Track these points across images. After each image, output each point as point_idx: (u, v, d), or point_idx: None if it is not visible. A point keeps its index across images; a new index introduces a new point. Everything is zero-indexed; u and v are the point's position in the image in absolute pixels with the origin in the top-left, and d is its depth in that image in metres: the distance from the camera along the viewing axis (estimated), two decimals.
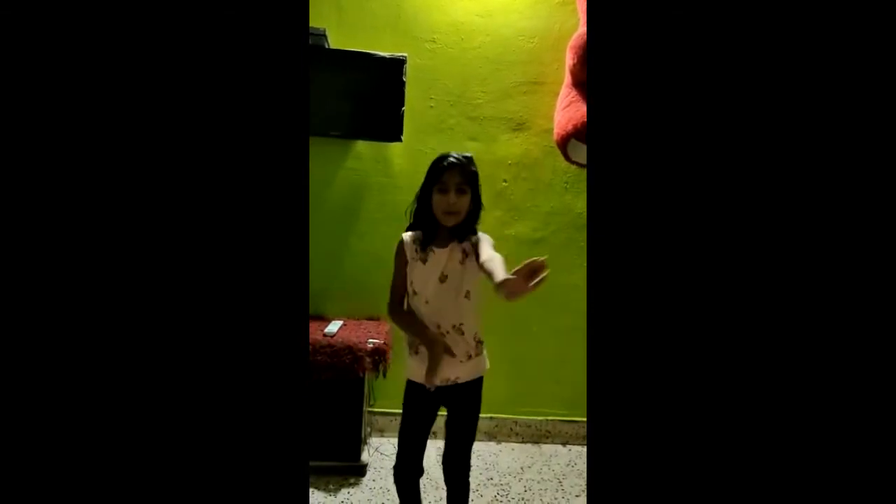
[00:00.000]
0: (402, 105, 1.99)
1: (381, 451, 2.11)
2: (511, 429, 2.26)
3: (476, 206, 1.32)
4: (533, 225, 2.22)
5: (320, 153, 2.10)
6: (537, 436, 2.28)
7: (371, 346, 1.87)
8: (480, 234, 1.33)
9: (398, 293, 1.37)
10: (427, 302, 1.30)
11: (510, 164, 2.21)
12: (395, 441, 2.18)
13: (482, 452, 2.15)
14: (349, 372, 1.84)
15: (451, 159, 1.27)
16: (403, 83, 1.98)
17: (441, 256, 1.31)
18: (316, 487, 1.81)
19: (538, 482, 1.97)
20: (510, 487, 1.92)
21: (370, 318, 2.18)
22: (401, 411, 1.38)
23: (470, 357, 1.33)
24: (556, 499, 1.87)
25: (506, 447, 2.21)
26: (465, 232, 1.31)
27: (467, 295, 1.31)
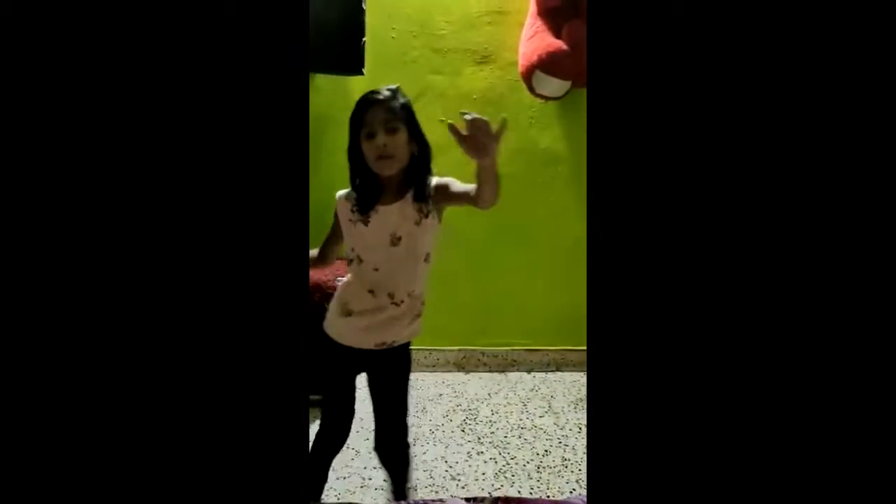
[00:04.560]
0: (363, 35, 1.90)
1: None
2: (479, 359, 2.37)
3: (421, 146, 1.10)
4: (498, 161, 2.22)
5: None
6: (503, 365, 2.40)
7: (340, 283, 1.89)
8: (436, 178, 1.11)
9: (326, 247, 1.24)
10: (376, 269, 1.12)
11: (475, 98, 2.18)
12: None
13: (451, 382, 2.25)
14: (319, 310, 1.86)
15: (370, 96, 1.08)
16: (363, 11, 1.88)
17: (388, 215, 1.09)
18: None
19: (504, 406, 2.09)
20: (478, 411, 2.03)
21: (337, 258, 2.18)
22: None
23: (416, 318, 1.18)
24: (520, 419, 2.00)
25: (474, 376, 2.32)
26: (418, 179, 1.09)
27: (427, 258, 1.14)
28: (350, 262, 1.18)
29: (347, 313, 1.16)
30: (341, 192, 1.16)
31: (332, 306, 1.21)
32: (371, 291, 1.14)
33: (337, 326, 1.19)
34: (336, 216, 1.16)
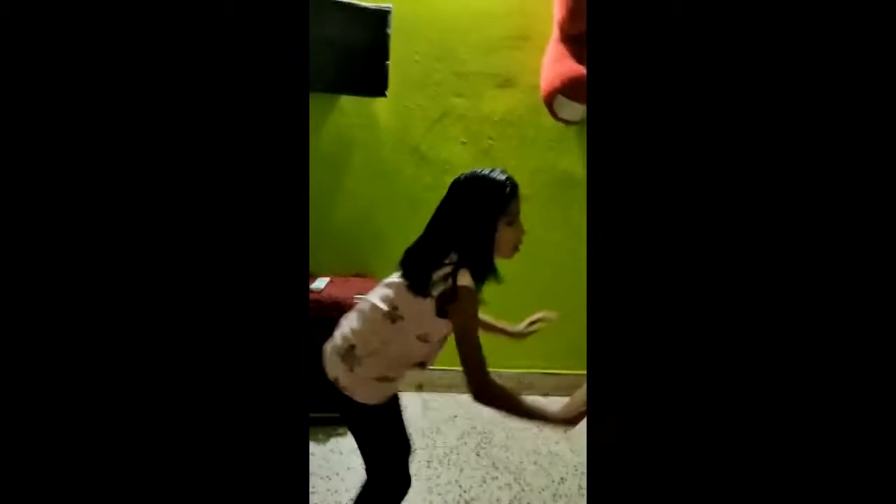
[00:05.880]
0: (387, 58, 1.95)
1: None
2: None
3: None
4: (518, 183, 2.23)
5: None
6: (519, 388, 2.37)
7: (358, 301, 1.90)
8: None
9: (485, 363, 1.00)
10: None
11: (496, 121, 2.20)
12: None
13: (466, 403, 2.23)
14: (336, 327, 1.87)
15: (513, 182, 1.04)
16: (388, 35, 1.93)
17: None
18: None
19: (519, 430, 2.06)
20: (493, 435, 2.01)
21: (357, 275, 2.20)
22: None
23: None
24: (536, 445, 1.97)
25: None
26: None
27: None
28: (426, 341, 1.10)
29: (389, 378, 1.13)
30: (470, 285, 1.00)
31: (374, 378, 1.11)
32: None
33: (384, 390, 1.14)
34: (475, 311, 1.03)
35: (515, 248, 1.07)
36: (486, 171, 1.06)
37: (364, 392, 1.09)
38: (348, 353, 1.10)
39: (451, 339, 1.06)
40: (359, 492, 1.18)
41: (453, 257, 1.02)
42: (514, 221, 1.05)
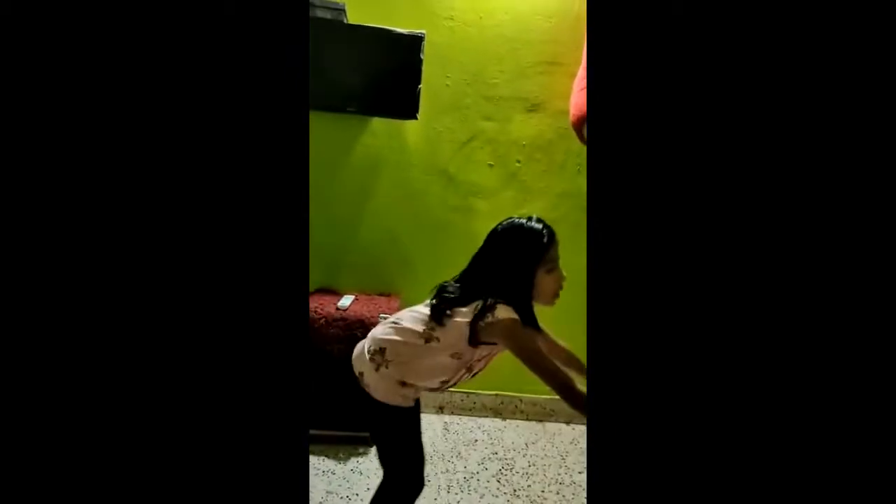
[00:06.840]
0: (419, 83, 1.99)
1: None
2: (516, 406, 2.31)
3: None
4: (544, 206, 2.23)
5: (336, 129, 2.11)
6: (542, 414, 2.32)
7: (383, 320, 1.91)
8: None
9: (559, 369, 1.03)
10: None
11: (524, 144, 2.21)
12: None
13: (488, 428, 2.20)
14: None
15: (550, 230, 1.06)
16: (421, 61, 1.98)
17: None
18: (326, 456, 1.87)
19: (542, 458, 2.01)
20: (514, 462, 1.97)
21: (382, 294, 2.21)
22: None
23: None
24: (559, 474, 1.92)
25: (511, 424, 2.25)
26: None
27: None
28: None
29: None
30: (517, 317, 1.03)
31: (396, 383, 1.13)
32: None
33: (409, 395, 1.16)
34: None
35: (556, 295, 1.07)
36: (522, 220, 1.08)
37: (384, 391, 1.11)
38: (377, 353, 1.12)
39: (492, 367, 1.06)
40: (375, 492, 1.20)
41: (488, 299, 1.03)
42: (553, 269, 1.06)
